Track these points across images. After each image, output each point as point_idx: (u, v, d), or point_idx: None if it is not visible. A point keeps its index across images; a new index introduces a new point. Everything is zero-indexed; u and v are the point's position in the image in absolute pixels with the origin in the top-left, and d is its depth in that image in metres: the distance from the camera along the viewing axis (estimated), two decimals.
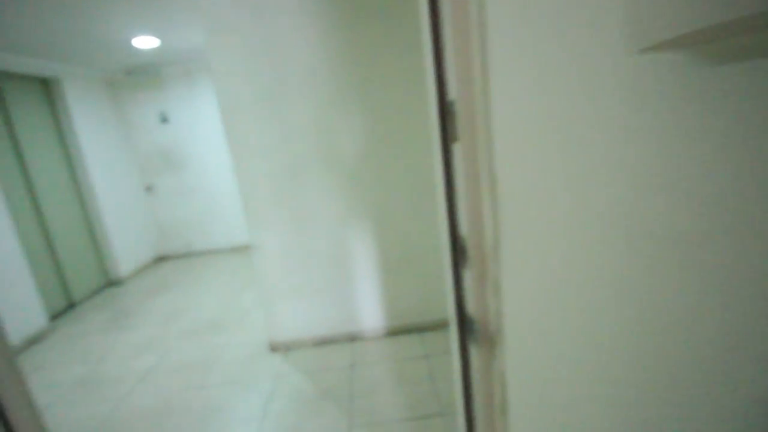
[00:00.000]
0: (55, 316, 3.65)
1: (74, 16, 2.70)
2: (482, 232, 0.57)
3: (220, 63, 2.20)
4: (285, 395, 2.14)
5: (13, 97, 3.51)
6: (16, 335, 3.07)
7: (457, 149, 0.58)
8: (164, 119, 4.83)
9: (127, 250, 4.58)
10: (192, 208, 5.07)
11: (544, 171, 0.45)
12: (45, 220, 3.69)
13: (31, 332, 3.21)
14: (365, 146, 2.32)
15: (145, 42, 3.50)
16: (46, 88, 3.89)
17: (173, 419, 2.06)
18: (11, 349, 0.80)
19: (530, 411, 0.56)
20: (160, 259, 5.17)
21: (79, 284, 3.98)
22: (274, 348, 2.60)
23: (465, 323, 0.67)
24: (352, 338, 2.59)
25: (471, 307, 0.63)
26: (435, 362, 2.24)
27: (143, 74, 4.62)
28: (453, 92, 0.56)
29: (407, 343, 2.47)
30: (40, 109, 3.81)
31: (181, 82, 4.71)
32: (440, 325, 2.57)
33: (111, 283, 4.42)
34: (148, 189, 5.03)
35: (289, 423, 1.93)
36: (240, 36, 2.16)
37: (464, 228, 0.60)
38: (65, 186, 3.99)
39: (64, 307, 3.79)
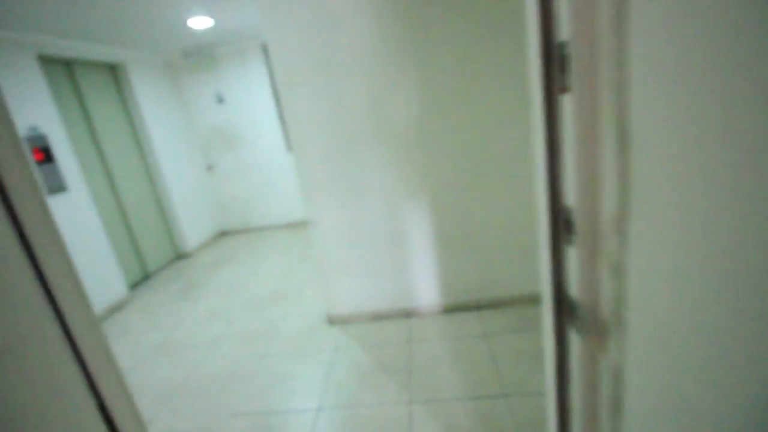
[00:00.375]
0: (133, 286, 4.00)
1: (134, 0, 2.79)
2: (598, 202, 0.48)
3: (276, 39, 2.17)
4: (344, 367, 2.18)
5: (86, 83, 3.76)
6: (100, 303, 3.40)
7: (568, 102, 0.48)
8: (220, 99, 4.97)
9: (192, 225, 4.88)
10: (249, 185, 5.26)
11: (702, 131, 0.35)
12: (120, 198, 3.99)
13: (114, 301, 3.54)
14: (420, 118, 2.21)
15: (200, 22, 3.56)
16: (114, 73, 4.13)
17: (240, 386, 2.18)
18: (96, 317, 0.83)
19: (653, 413, 0.48)
20: (222, 234, 5.47)
21: (152, 257, 4.32)
22: (332, 321, 2.66)
23: (565, 307, 0.59)
24: (408, 314, 2.57)
25: (575, 289, 0.54)
26: (495, 342, 2.16)
27: (199, 56, 4.76)
28: (566, 32, 0.46)
29: (464, 321, 2.40)
30: (110, 93, 4.06)
31: (234, 62, 4.79)
32: (498, 304, 2.47)
33: (180, 256, 4.75)
34: (209, 168, 5.27)
35: (349, 394, 1.96)
36: (294, 11, 2.10)
37: (571, 198, 0.51)
38: (136, 166, 4.28)
39: (141, 278, 4.14)
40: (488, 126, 2.19)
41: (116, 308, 3.53)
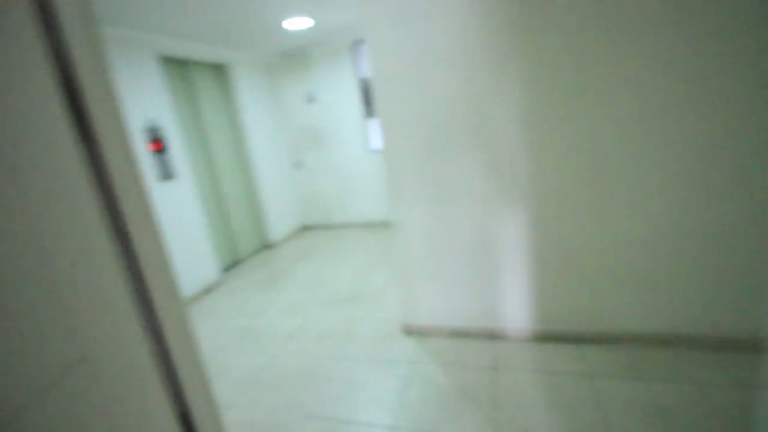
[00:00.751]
0: (226, 270, 4.28)
1: (236, 2, 2.93)
2: None
3: (374, 33, 2.09)
4: (421, 384, 2.03)
5: (197, 81, 4.10)
6: (195, 284, 3.67)
7: None
8: (310, 99, 5.14)
9: (278, 218, 5.12)
10: (332, 183, 5.37)
11: None
12: (219, 188, 4.30)
13: (207, 282, 3.81)
14: (525, 118, 1.96)
15: (299, 23, 3.66)
16: (221, 72, 4.45)
17: (316, 386, 2.15)
18: (183, 301, 0.77)
19: None
20: (305, 229, 5.66)
21: (242, 244, 4.60)
22: (409, 331, 2.52)
23: None
24: (493, 336, 2.33)
25: None
26: (601, 385, 1.83)
27: (294, 56, 4.96)
28: None
29: (561, 354, 2.10)
30: (216, 91, 4.39)
31: (325, 62, 4.91)
32: (605, 339, 2.12)
33: (266, 246, 5.01)
34: (296, 164, 5.49)
35: (426, 418, 1.80)
36: (394, 3, 1.99)
37: None
38: (233, 159, 4.59)
39: (232, 263, 4.43)
40: (614, 129, 1.86)
41: (209, 289, 3.80)
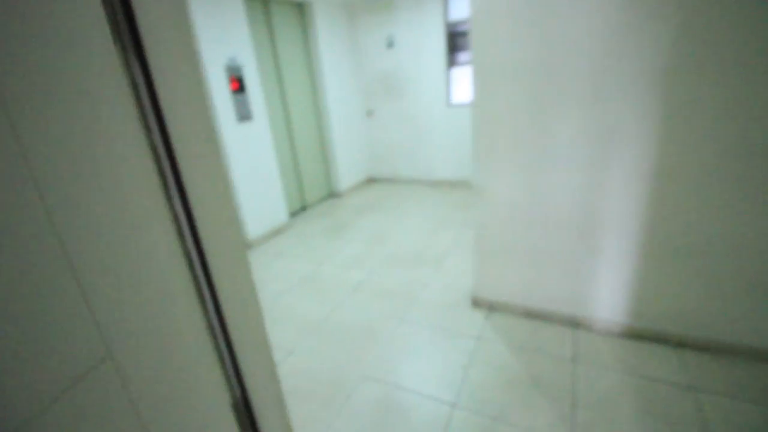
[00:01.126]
0: (293, 214, 4.37)
1: None
2: None
3: None
4: (487, 364, 1.89)
5: (277, 20, 3.95)
6: (265, 225, 3.77)
7: None
8: (390, 44, 4.79)
9: (346, 167, 5.05)
10: (403, 135, 5.13)
11: None
12: (292, 132, 4.28)
13: (276, 224, 3.91)
14: (661, 78, 1.55)
15: None
16: (301, 11, 4.25)
17: (376, 346, 2.10)
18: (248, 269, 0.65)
19: None
20: (370, 181, 5.57)
21: (310, 191, 4.64)
22: (477, 303, 2.36)
23: None
24: (575, 323, 2.09)
25: None
26: (710, 403, 1.55)
27: None
28: None
29: (657, 357, 1.82)
30: (295, 31, 4.22)
31: (411, 4, 4.48)
32: (716, 349, 1.79)
33: (332, 194, 5.01)
34: (369, 113, 5.28)
35: (490, 402, 1.68)
36: None
37: None
38: (307, 104, 4.50)
39: (299, 209, 4.50)
40: None
41: (277, 232, 3.90)
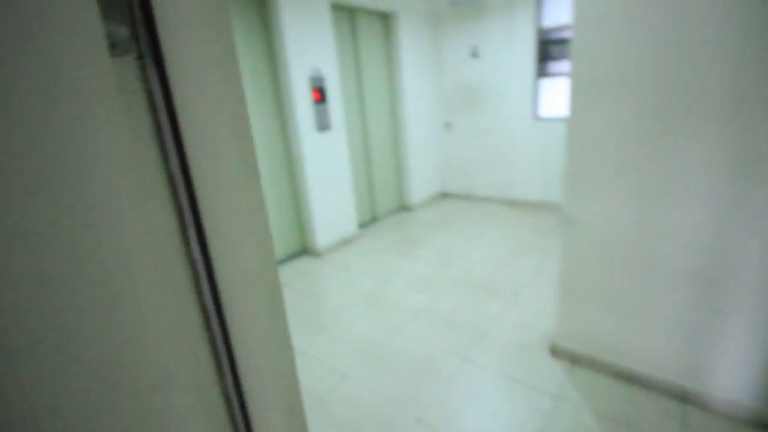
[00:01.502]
0: (362, 226, 4.34)
1: None
2: None
3: None
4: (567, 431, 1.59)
5: (362, 31, 3.97)
6: (334, 235, 3.77)
7: None
8: (474, 54, 4.57)
9: (420, 180, 4.91)
10: (482, 149, 4.85)
11: None
12: (368, 142, 4.26)
13: (346, 235, 3.89)
14: None
15: None
16: (385, 22, 4.23)
17: (433, 383, 1.91)
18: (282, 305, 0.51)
19: None
20: (444, 196, 5.36)
21: (382, 203, 4.58)
22: (556, 352, 2.04)
23: None
24: (684, 397, 1.69)
25: None
26: None
27: (465, 3, 4.39)
28: None
29: None
30: (378, 42, 4.21)
31: (499, 12, 4.22)
32: None
33: (404, 207, 4.90)
34: (447, 126, 5.10)
35: None
36: None
37: None
38: (386, 114, 4.46)
39: (369, 220, 4.46)
40: None
41: (346, 242, 3.89)
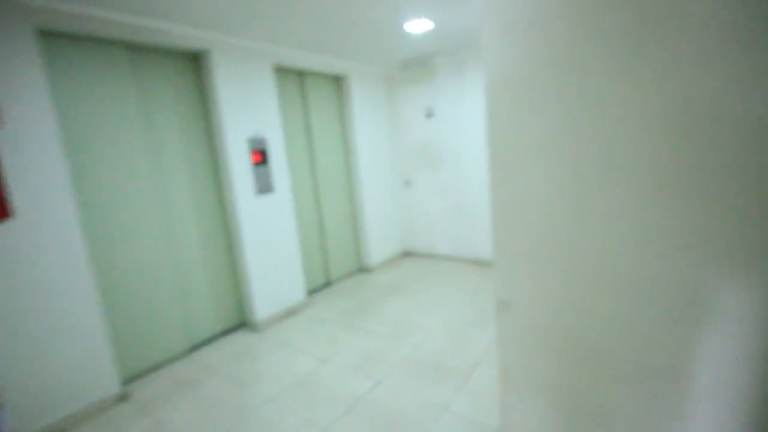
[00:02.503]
0: (313, 291, 4.00)
1: (350, 6, 2.53)
2: None
3: (495, 23, 1.39)
4: None
5: (312, 93, 3.93)
6: (278, 305, 3.42)
7: None
8: (429, 114, 4.59)
9: (379, 240, 4.69)
10: (443, 208, 4.71)
11: None
12: (321, 203, 4.05)
13: (291, 304, 3.54)
14: None
15: (418, 26, 3.14)
16: (337, 84, 4.23)
17: None
18: None
19: None
20: (406, 255, 5.13)
21: (337, 266, 4.28)
22: None
23: None
24: None
25: None
26: None
27: (416, 66, 4.48)
28: None
29: None
30: (330, 104, 4.17)
31: (450, 73, 4.30)
32: None
33: (362, 269, 4.61)
34: (406, 184, 5.00)
35: None
36: None
37: None
38: (339, 174, 4.31)
39: (322, 285, 4.13)
40: None
41: (291, 312, 3.53)
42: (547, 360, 1.51)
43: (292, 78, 3.73)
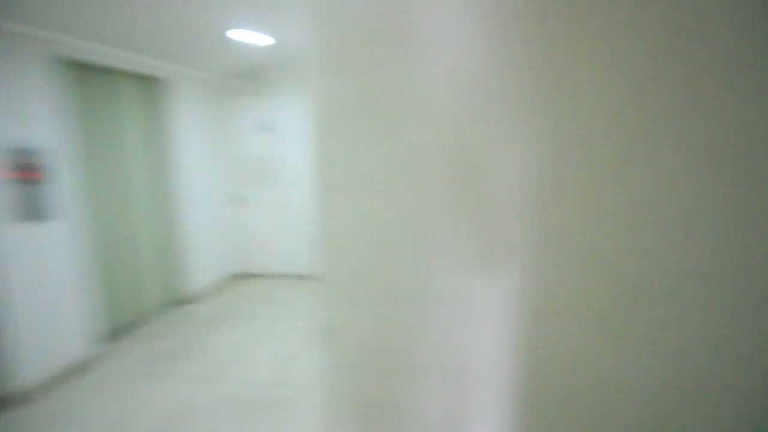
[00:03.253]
0: (114, 337, 3.29)
1: (172, 8, 2.24)
2: None
3: (321, 55, 1.39)
4: None
5: (118, 96, 3.28)
6: (56, 363, 2.68)
7: None
8: (264, 127, 4.42)
9: (204, 265, 4.22)
10: (280, 225, 4.57)
11: None
12: (131, 228, 3.38)
13: (76, 359, 2.81)
14: (548, 176, 1.28)
15: (251, 37, 2.99)
16: (151, 87, 3.65)
17: None
18: None
19: None
20: (238, 276, 4.76)
21: (151, 300, 3.63)
22: None
23: None
24: None
25: None
26: None
27: (251, 78, 4.28)
28: None
29: None
30: (143, 109, 3.56)
31: (289, 88, 4.25)
32: None
33: (182, 300, 4.05)
34: (241, 200, 4.67)
35: None
36: (348, 17, 1.32)
37: None
38: (156, 192, 3.70)
39: (125, 326, 3.43)
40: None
41: (75, 371, 2.80)
42: (370, 377, 1.57)
43: (95, 77, 3.04)
